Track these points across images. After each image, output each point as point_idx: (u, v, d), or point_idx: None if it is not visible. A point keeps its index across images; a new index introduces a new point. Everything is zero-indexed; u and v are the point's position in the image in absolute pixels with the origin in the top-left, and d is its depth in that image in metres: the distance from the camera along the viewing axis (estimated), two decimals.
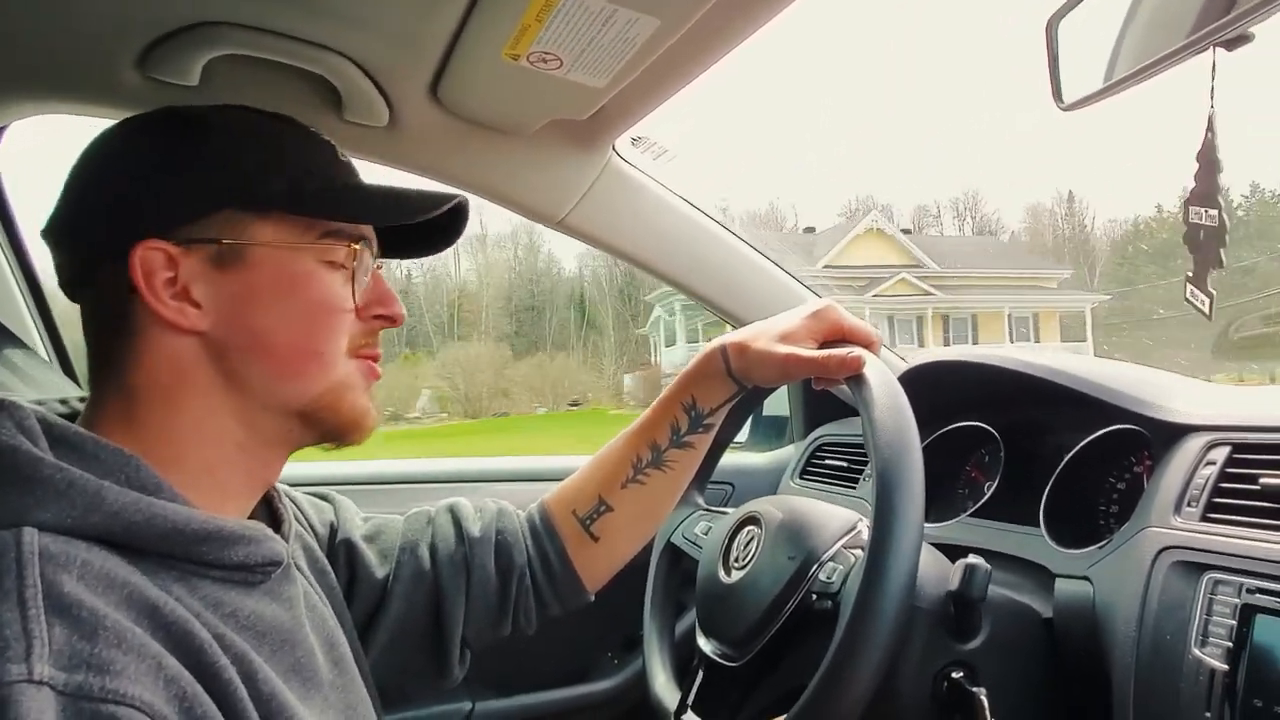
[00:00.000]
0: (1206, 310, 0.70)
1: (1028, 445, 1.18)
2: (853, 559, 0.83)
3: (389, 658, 0.84)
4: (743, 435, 1.82)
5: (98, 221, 0.63)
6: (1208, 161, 0.67)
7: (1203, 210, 0.68)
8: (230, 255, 0.63)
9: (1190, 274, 0.71)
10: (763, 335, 0.87)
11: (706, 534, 1.02)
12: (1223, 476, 0.83)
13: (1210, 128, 0.65)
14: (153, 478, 0.58)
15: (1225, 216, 0.67)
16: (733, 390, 0.91)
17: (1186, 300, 0.71)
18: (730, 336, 0.90)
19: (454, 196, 0.70)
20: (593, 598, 0.94)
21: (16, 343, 1.05)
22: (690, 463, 0.93)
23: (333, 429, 0.68)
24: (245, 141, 0.65)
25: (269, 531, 0.63)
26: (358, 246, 0.68)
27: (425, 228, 0.72)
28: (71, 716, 0.43)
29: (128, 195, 0.62)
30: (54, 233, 0.65)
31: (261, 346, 0.64)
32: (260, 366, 0.64)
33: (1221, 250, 0.68)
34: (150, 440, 0.60)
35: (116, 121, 0.66)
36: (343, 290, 0.67)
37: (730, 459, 1.69)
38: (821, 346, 0.87)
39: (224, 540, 0.58)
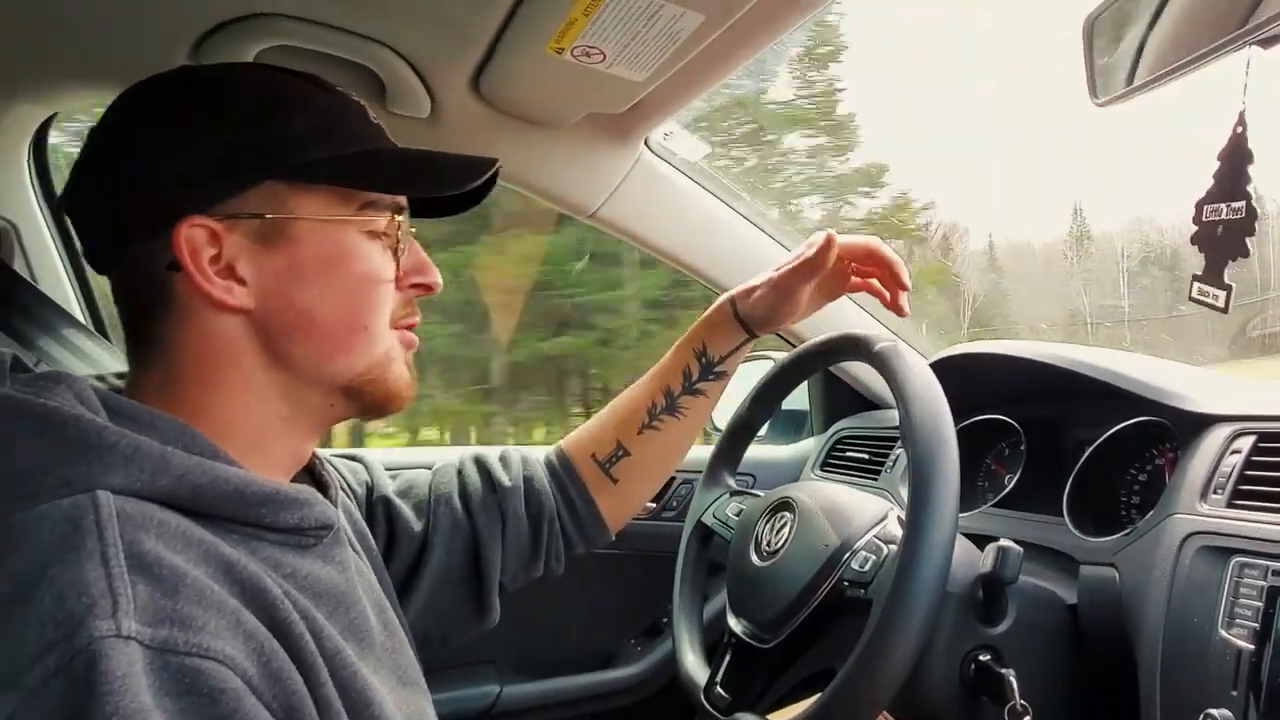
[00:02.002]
0: (1222, 304, 0.71)
1: (1050, 438, 1.20)
2: (885, 550, 0.84)
3: (431, 606, 0.86)
4: (762, 430, 1.85)
5: (131, 197, 0.60)
6: (1235, 156, 0.69)
7: (1223, 206, 0.69)
8: (274, 230, 0.61)
9: (1199, 273, 0.71)
10: (764, 275, 0.94)
11: (738, 515, 1.04)
12: (1248, 465, 0.85)
13: (1241, 122, 0.66)
14: (209, 445, 0.58)
15: (1255, 206, 0.68)
16: (741, 336, 0.96)
17: (1193, 299, 0.72)
18: (738, 286, 0.96)
19: (492, 161, 0.69)
20: (613, 537, 0.98)
21: (70, 320, 1.08)
22: (702, 410, 0.97)
23: (377, 402, 0.68)
24: (275, 106, 0.62)
25: (319, 496, 0.64)
26: (400, 217, 0.67)
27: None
28: (159, 670, 0.44)
29: (164, 172, 0.59)
30: (78, 207, 0.63)
31: (308, 323, 0.63)
32: (306, 343, 0.63)
33: (1248, 239, 0.69)
34: (193, 415, 0.60)
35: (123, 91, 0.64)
36: (383, 261, 0.66)
37: (751, 451, 1.71)
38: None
39: (280, 503, 0.59)
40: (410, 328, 0.70)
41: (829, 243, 0.90)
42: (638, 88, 1.03)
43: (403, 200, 0.68)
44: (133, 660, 0.44)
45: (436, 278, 0.71)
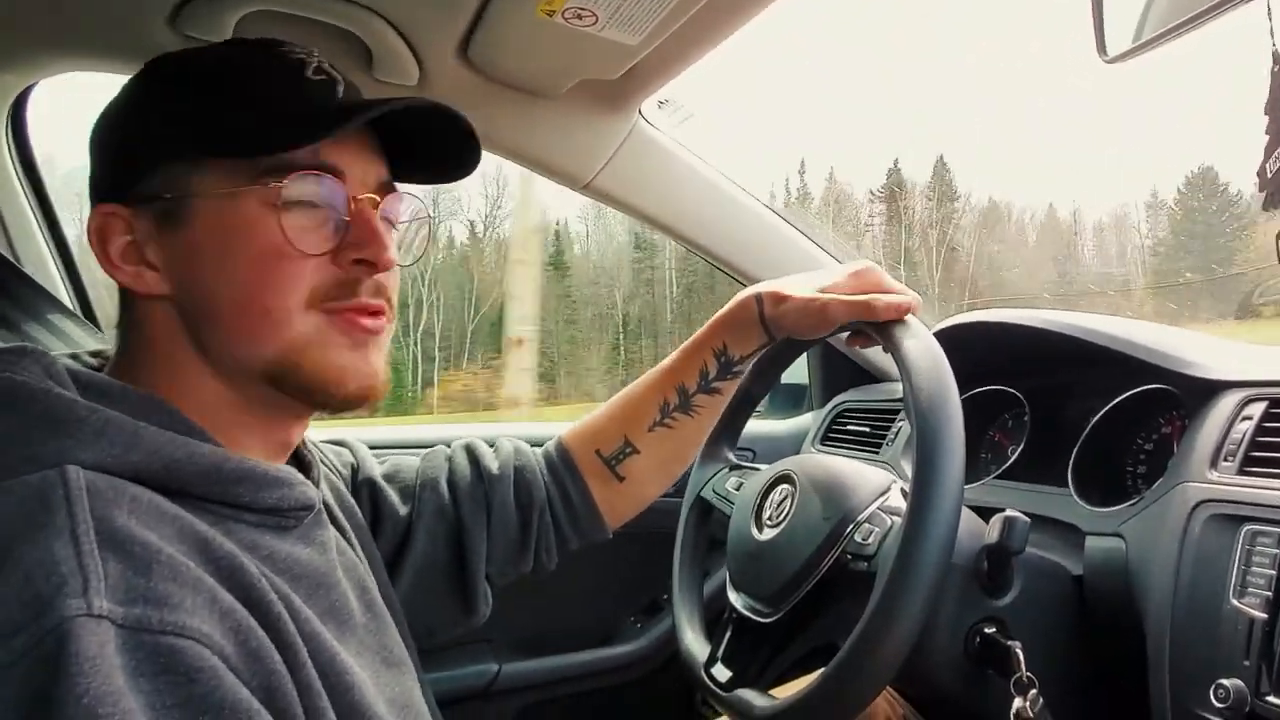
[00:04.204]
0: None
1: (1053, 409, 1.18)
2: (889, 522, 0.82)
3: (415, 596, 0.84)
4: (761, 403, 1.84)
5: (89, 185, 0.62)
6: None
7: None
8: (173, 211, 0.59)
9: None
10: (801, 285, 0.87)
11: (738, 489, 1.02)
12: (1260, 431, 0.83)
13: (1277, 61, 0.63)
14: (184, 421, 0.57)
15: None
16: (764, 340, 0.90)
17: None
18: (766, 285, 0.89)
19: (399, 100, 0.62)
20: (610, 534, 0.94)
21: (50, 300, 1.05)
22: (716, 408, 0.94)
23: (306, 392, 0.61)
24: (185, 83, 0.61)
25: (300, 476, 0.63)
26: (314, 177, 0.60)
27: (439, 150, 0.67)
28: (132, 649, 0.43)
29: (93, 158, 0.62)
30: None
31: (213, 308, 0.59)
32: (215, 330, 0.60)
33: None
34: (165, 395, 0.59)
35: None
36: (297, 233, 0.59)
37: (751, 425, 1.69)
38: None
39: (258, 482, 0.58)
40: (357, 311, 0.62)
41: (891, 306, 0.82)
42: (631, 52, 1.00)
43: (340, 161, 0.61)
44: (104, 640, 0.42)
45: (384, 253, 0.62)
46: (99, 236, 0.59)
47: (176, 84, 0.62)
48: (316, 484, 0.68)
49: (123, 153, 0.61)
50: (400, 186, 0.68)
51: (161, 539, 0.48)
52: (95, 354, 0.66)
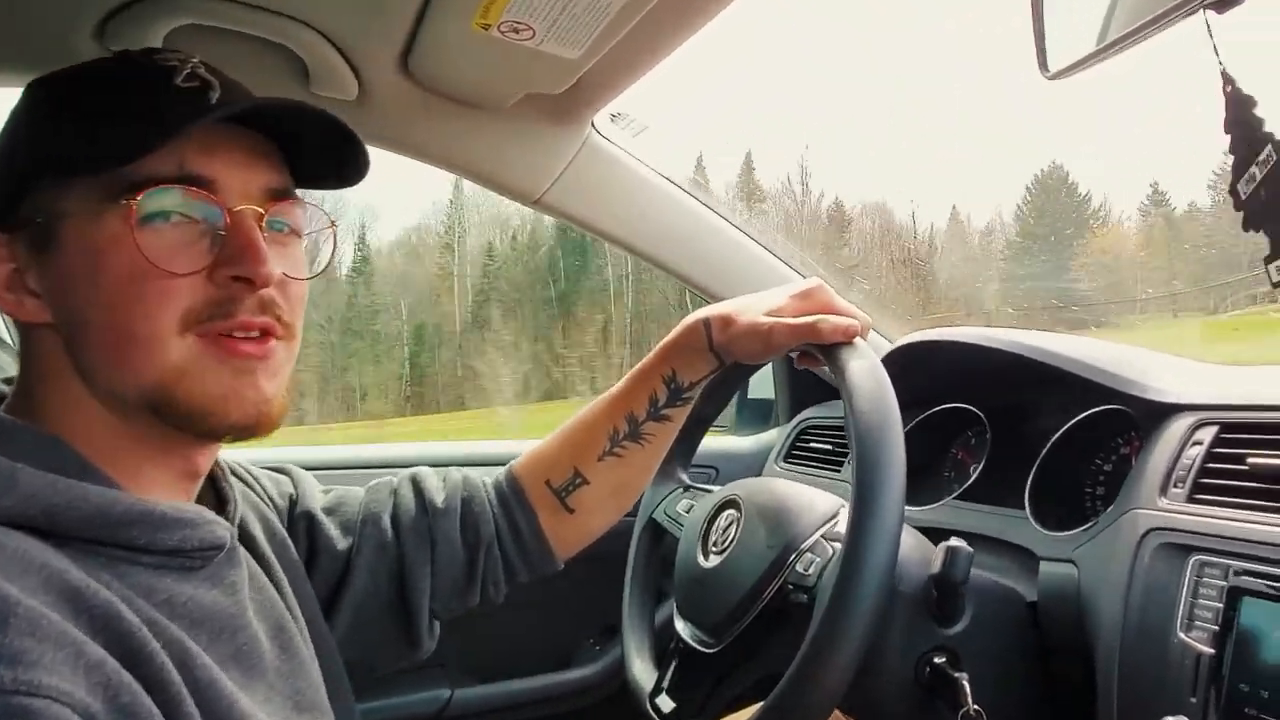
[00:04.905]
0: None
1: (1014, 427, 1.16)
2: (830, 551, 0.81)
3: (356, 632, 0.82)
4: (727, 419, 1.81)
5: None
6: (1239, 111, 0.63)
7: (1254, 169, 0.63)
8: (47, 236, 0.57)
9: (1268, 254, 0.64)
10: (748, 309, 0.85)
11: (688, 512, 1.00)
12: (1210, 457, 0.81)
13: (1226, 80, 0.61)
14: (76, 459, 0.55)
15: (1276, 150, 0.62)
16: (713, 365, 0.89)
17: (1276, 285, 0.64)
18: (712, 309, 0.87)
19: (265, 101, 0.59)
20: (561, 566, 0.92)
21: None
22: (667, 436, 0.91)
23: (187, 421, 0.58)
24: (53, 102, 0.59)
25: (209, 514, 0.60)
26: (176, 189, 0.56)
27: (329, 153, 0.64)
28: None
29: None
30: None
31: (87, 336, 0.57)
32: (92, 358, 0.57)
33: None
34: (68, 427, 0.57)
35: None
36: (163, 252, 0.55)
37: (715, 442, 1.67)
38: None
39: (155, 524, 0.55)
40: (240, 330, 0.58)
41: (837, 329, 0.79)
42: (574, 66, 0.98)
43: (212, 172, 0.57)
44: None
45: (260, 267, 0.58)
46: None
47: (47, 104, 0.60)
48: (232, 520, 0.65)
49: (2, 173, 0.59)
50: (304, 194, 0.64)
51: (23, 590, 0.46)
52: (9, 381, 0.64)
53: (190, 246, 0.57)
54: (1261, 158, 0.61)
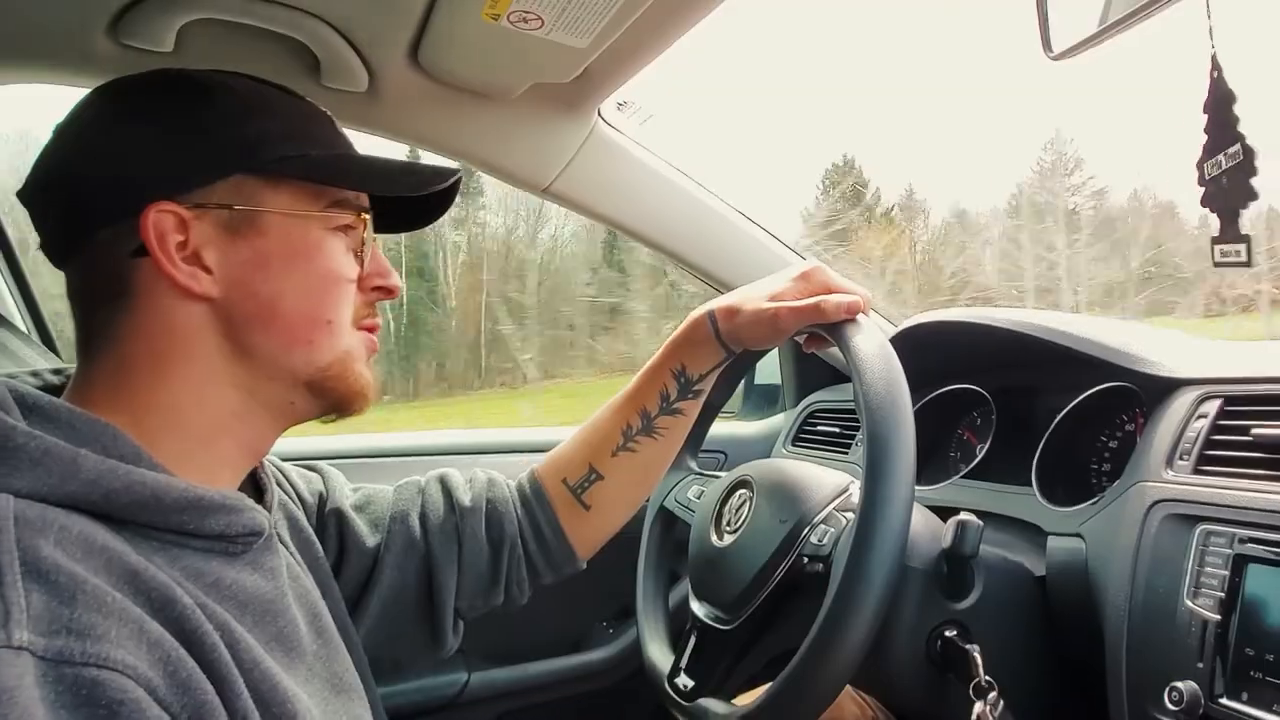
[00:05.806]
0: (1245, 259, 0.67)
1: (1020, 406, 1.18)
2: (844, 521, 0.82)
3: (382, 627, 0.84)
4: (735, 404, 1.82)
5: (97, 184, 0.60)
6: (1219, 101, 0.65)
7: (1220, 157, 0.65)
8: (242, 221, 0.62)
9: (1216, 235, 0.67)
10: (751, 297, 0.86)
11: (699, 498, 1.01)
12: (1215, 429, 0.83)
13: (1215, 66, 0.62)
14: (131, 446, 0.56)
15: (1251, 146, 0.64)
16: (721, 356, 0.90)
17: (1218, 264, 0.67)
18: (717, 302, 0.89)
19: (457, 170, 0.71)
20: (584, 565, 0.93)
21: (2, 321, 1.04)
22: (680, 429, 0.92)
23: (338, 400, 0.67)
24: (252, 107, 0.64)
25: (250, 502, 0.62)
26: (366, 216, 0.68)
27: (414, 203, 0.72)
28: (53, 682, 0.43)
29: (134, 158, 0.60)
30: (39, 197, 0.62)
31: (271, 314, 0.63)
32: (269, 334, 0.63)
33: (1253, 181, 0.65)
34: (141, 410, 0.59)
35: (95, 86, 0.64)
36: (347, 260, 0.67)
37: (723, 427, 1.68)
38: None
39: (204, 509, 0.57)
40: (372, 330, 0.71)
41: (841, 306, 0.81)
42: (582, 55, 0.99)
43: (368, 204, 0.70)
44: (23, 672, 0.42)
45: (397, 281, 0.72)
46: (156, 232, 0.59)
47: (234, 103, 0.64)
48: (269, 509, 0.68)
49: (179, 159, 0.61)
50: None
51: (88, 570, 0.48)
52: (58, 372, 0.66)
53: (357, 258, 0.68)
54: (1231, 151, 0.64)
